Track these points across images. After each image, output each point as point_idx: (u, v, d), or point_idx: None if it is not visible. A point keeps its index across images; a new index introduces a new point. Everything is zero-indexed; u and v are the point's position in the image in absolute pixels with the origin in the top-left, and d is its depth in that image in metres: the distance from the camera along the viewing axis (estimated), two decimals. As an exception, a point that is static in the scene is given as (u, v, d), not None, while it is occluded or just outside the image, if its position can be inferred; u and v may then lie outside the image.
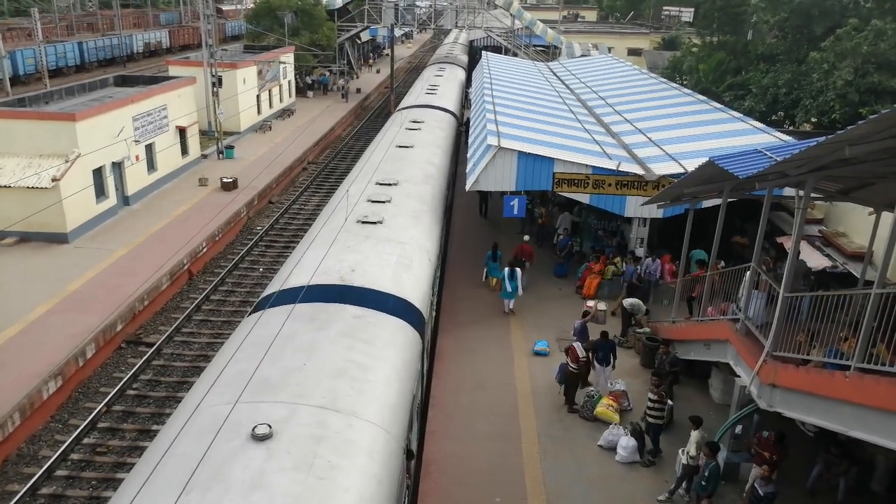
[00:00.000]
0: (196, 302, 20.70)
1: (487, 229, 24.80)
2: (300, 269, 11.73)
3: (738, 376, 11.92)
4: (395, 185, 16.96)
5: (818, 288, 14.97)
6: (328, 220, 14.68)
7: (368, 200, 15.61)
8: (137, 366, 17.19)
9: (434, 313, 15.81)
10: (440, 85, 35.23)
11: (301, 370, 8.51)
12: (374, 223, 14.10)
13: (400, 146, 21.02)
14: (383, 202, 15.55)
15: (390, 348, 9.83)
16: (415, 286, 12.25)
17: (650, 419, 12.65)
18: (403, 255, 13.03)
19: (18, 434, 14.36)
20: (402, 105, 31.43)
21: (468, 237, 24.30)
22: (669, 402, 13.21)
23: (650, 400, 12.69)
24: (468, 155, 22.24)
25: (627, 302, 17.21)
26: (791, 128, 29.02)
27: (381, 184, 16.92)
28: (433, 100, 30.54)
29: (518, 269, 18.23)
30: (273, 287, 11.92)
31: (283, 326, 9.32)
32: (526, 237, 21.00)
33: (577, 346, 14.31)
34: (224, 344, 10.32)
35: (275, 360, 8.62)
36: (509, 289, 18.12)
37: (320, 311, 10.19)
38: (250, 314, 11.28)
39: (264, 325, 9.74)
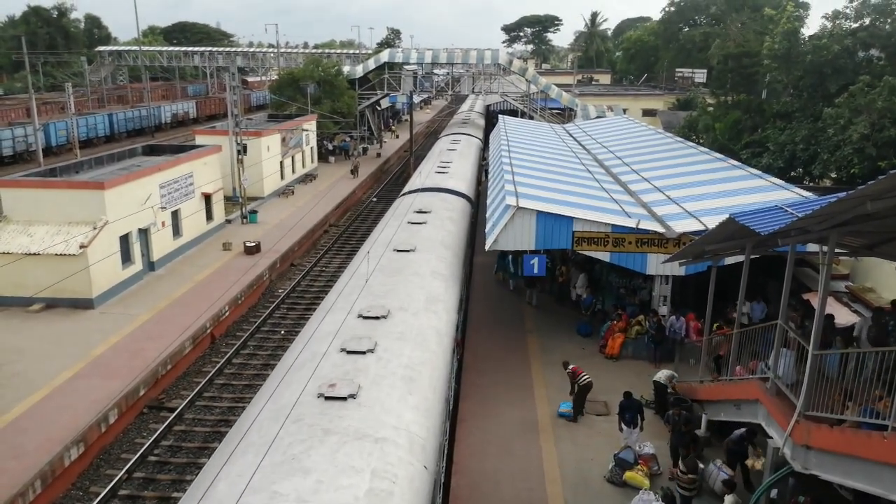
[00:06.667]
0: (218, 366, 20.73)
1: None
2: None
3: (771, 437, 11.57)
4: (383, 318, 12.56)
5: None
6: (277, 388, 10.01)
7: (342, 350, 11.04)
8: (159, 431, 17.12)
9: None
10: (453, 161, 31.62)
11: None
12: (344, 399, 9.40)
13: (398, 250, 17.23)
14: (363, 353, 10.93)
15: None
16: None
17: (682, 491, 12.24)
18: (382, 469, 8.09)
19: (39, 502, 14.24)
20: (407, 188, 27.61)
21: (489, 292, 24.29)
22: (700, 465, 12.81)
23: (681, 472, 12.30)
24: (486, 215, 22.44)
25: (663, 375, 16.29)
26: (811, 183, 28.98)
27: (364, 317, 12.55)
28: (444, 181, 26.79)
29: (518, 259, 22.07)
30: None
31: None
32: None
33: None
34: None
35: None
36: (512, 269, 23.50)
37: None
38: None
39: None
